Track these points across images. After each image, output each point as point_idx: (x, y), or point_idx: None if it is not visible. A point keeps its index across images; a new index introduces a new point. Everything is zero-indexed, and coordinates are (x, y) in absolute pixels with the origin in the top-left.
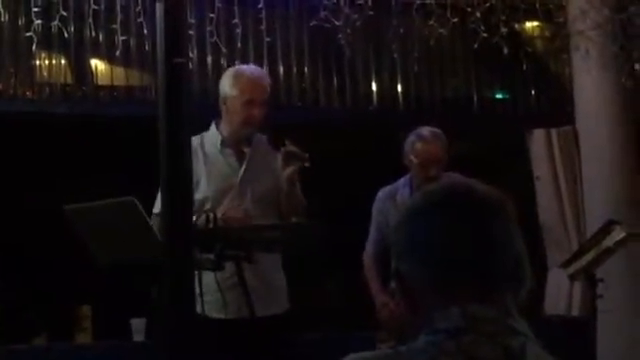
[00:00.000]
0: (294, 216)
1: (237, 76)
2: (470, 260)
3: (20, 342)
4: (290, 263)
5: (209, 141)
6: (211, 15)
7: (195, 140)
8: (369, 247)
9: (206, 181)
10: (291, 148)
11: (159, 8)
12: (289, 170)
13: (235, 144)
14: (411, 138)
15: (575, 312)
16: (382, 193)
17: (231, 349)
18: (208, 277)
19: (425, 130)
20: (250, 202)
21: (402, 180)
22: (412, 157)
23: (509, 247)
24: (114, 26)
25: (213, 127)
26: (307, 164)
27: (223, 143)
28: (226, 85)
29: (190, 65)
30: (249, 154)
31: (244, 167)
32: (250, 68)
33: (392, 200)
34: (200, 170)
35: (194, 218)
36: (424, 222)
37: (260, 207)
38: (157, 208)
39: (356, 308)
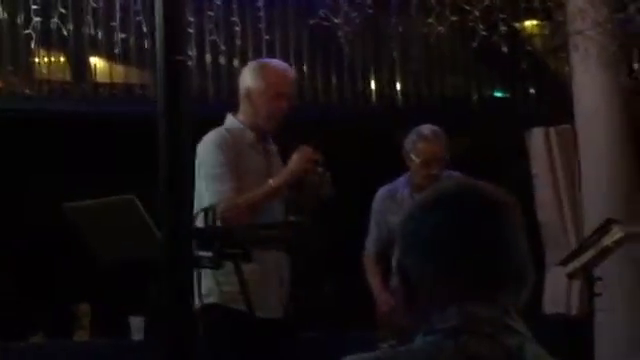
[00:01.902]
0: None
1: (263, 69)
2: (473, 259)
3: (18, 340)
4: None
5: (237, 135)
6: (210, 13)
7: (224, 133)
8: (369, 246)
9: (243, 177)
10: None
11: (158, 6)
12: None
13: (261, 139)
14: (412, 137)
15: (573, 311)
16: (382, 192)
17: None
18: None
19: (426, 129)
20: (280, 201)
21: (402, 179)
22: (413, 156)
23: (514, 248)
24: (113, 24)
25: (234, 121)
26: (320, 169)
27: (255, 138)
28: (250, 77)
29: (189, 63)
30: (273, 151)
31: (274, 165)
32: (275, 61)
33: (392, 199)
34: (241, 164)
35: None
36: (431, 218)
37: (283, 205)
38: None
39: (355, 307)
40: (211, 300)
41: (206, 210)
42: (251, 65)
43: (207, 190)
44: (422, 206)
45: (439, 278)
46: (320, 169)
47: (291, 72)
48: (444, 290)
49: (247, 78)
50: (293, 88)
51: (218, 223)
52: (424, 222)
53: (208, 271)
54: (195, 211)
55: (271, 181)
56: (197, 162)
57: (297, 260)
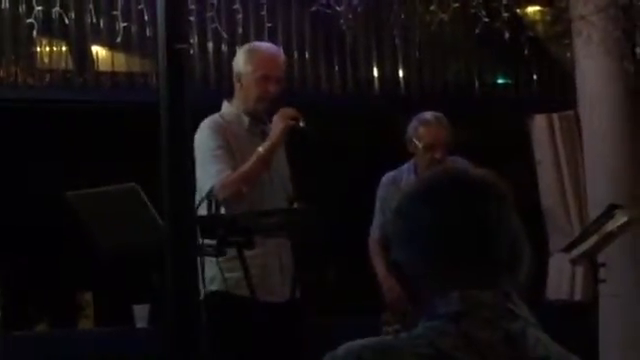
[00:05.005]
0: None
1: (251, 52)
2: (467, 246)
3: (23, 329)
4: (294, 248)
5: (232, 121)
6: (212, 1)
7: (218, 119)
8: (374, 232)
9: (242, 162)
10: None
11: None
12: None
13: (258, 123)
14: (414, 123)
15: (577, 297)
16: (386, 178)
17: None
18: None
19: (428, 114)
20: (275, 187)
21: (406, 165)
22: (416, 141)
23: (505, 230)
24: (115, 12)
25: (228, 107)
26: (301, 124)
27: (250, 123)
28: (240, 61)
29: (191, 51)
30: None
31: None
32: (265, 44)
33: (396, 185)
34: (239, 149)
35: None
36: (419, 211)
37: (281, 192)
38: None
39: (359, 293)
40: (214, 287)
41: (209, 196)
42: (241, 49)
43: (206, 173)
44: (408, 201)
45: (436, 268)
46: (302, 124)
47: (280, 55)
48: (443, 279)
49: (237, 62)
50: (282, 71)
51: (222, 209)
52: (412, 217)
53: (211, 258)
54: (197, 199)
55: (260, 148)
56: (195, 149)
57: (298, 246)
